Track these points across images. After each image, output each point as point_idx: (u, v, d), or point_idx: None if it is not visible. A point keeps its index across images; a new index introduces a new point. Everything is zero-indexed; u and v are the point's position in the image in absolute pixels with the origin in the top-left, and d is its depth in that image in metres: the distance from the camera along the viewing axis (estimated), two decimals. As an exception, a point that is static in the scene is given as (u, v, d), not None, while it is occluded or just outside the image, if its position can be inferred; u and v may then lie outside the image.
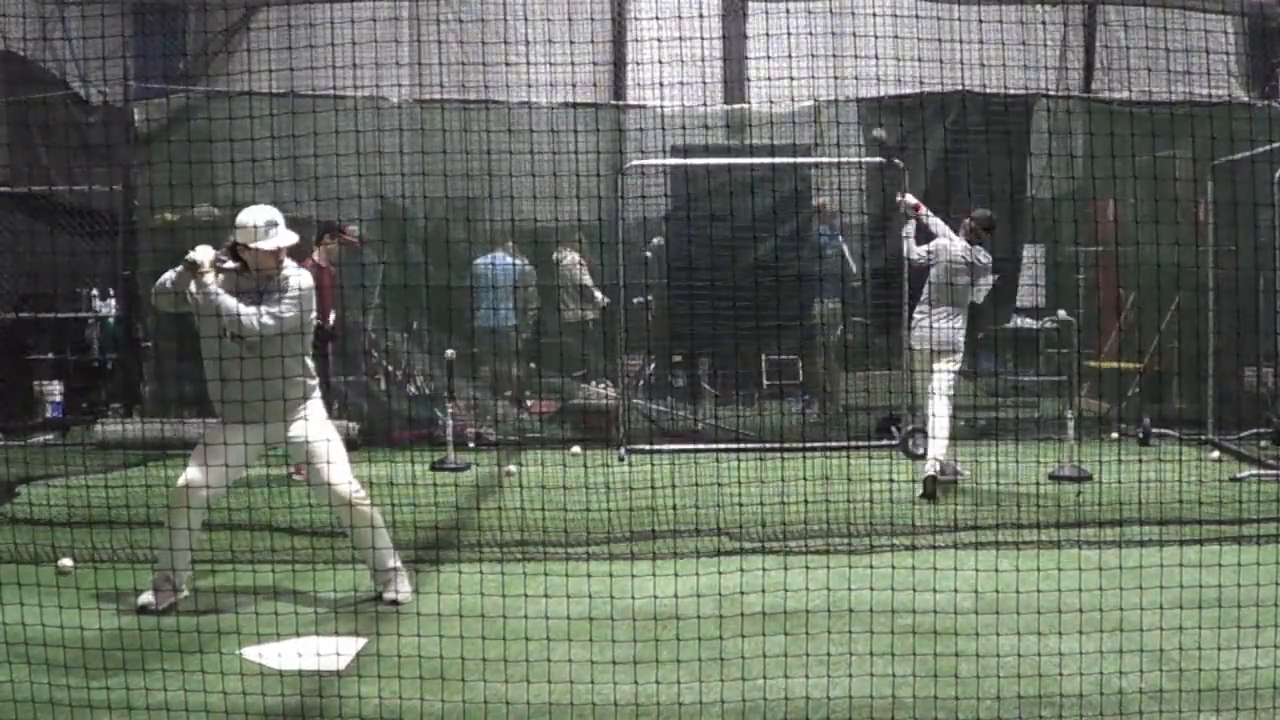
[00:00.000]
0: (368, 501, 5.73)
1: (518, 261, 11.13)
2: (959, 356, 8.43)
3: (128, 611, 5.47)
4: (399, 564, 5.83)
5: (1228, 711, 4.19)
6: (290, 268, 5.71)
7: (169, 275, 5.62)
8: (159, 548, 5.71)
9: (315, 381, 5.88)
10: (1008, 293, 11.42)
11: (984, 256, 8.46)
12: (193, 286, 5.51)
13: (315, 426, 5.73)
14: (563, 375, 11.23)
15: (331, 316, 9.02)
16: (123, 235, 11.14)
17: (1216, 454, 9.65)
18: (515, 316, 11.23)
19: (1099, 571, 5.77)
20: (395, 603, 5.68)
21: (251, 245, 5.57)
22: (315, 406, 5.82)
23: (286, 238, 5.67)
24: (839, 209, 11.14)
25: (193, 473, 5.55)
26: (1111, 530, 6.94)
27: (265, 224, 5.58)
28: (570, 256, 11.56)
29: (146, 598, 5.60)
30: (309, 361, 5.84)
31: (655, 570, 5.67)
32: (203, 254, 5.52)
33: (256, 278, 5.63)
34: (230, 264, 5.61)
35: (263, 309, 5.51)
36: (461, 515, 7.81)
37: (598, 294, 11.49)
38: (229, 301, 5.48)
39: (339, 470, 5.64)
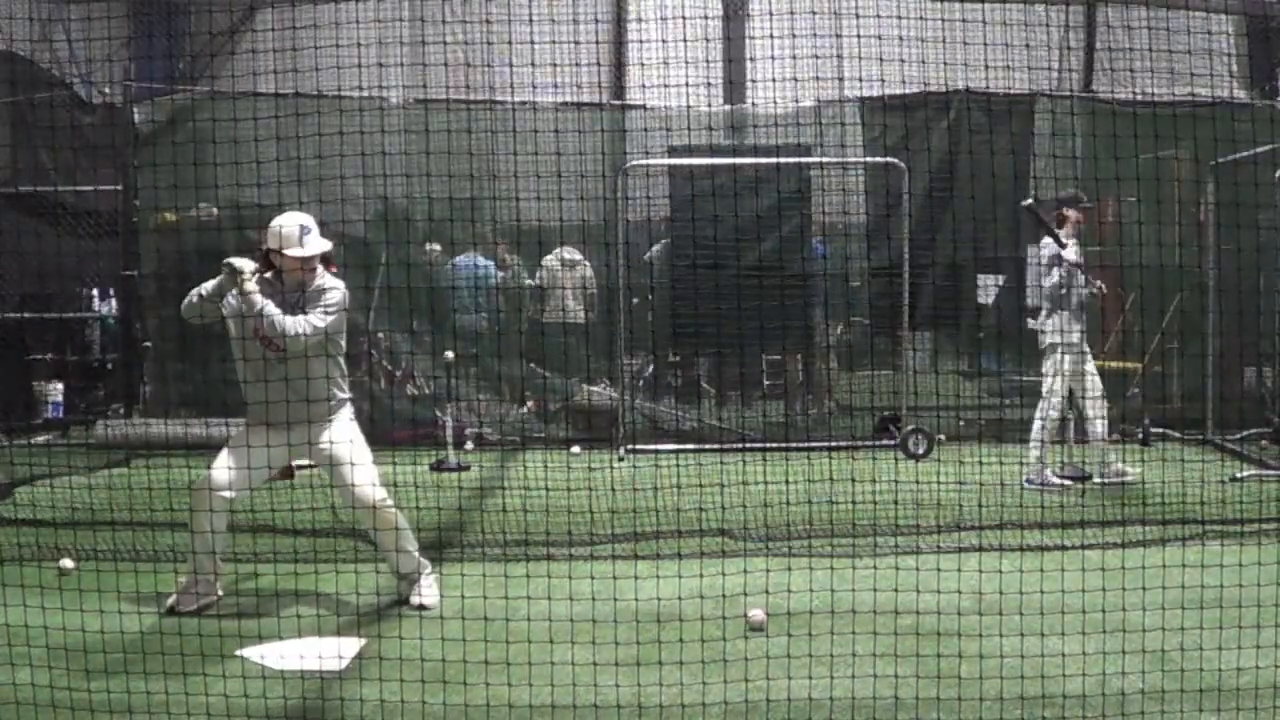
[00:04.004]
0: (391, 505, 5.59)
1: (485, 262, 11.10)
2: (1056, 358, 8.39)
3: (128, 612, 5.46)
4: (426, 568, 5.71)
5: (1228, 712, 4.19)
6: (325, 276, 5.59)
7: (207, 285, 5.50)
8: (188, 550, 5.66)
9: (347, 395, 5.75)
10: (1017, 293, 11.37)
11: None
12: (233, 295, 5.41)
13: (340, 430, 5.62)
14: (564, 376, 11.20)
15: None
16: (123, 235, 11.13)
17: (1216, 454, 9.64)
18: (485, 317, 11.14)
19: (1099, 572, 5.76)
20: (422, 608, 5.55)
21: (286, 252, 5.44)
22: (345, 414, 5.69)
23: (320, 244, 5.54)
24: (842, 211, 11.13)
25: (214, 475, 5.46)
26: (1112, 530, 6.94)
27: (299, 229, 5.45)
28: (573, 258, 11.54)
29: (172, 600, 5.58)
30: (342, 370, 5.70)
31: (656, 571, 5.66)
32: (243, 262, 5.40)
33: (288, 286, 5.51)
34: (266, 274, 5.51)
35: (302, 318, 5.39)
36: (461, 515, 7.81)
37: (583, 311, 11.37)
38: (273, 309, 5.36)
39: (362, 473, 5.50)
